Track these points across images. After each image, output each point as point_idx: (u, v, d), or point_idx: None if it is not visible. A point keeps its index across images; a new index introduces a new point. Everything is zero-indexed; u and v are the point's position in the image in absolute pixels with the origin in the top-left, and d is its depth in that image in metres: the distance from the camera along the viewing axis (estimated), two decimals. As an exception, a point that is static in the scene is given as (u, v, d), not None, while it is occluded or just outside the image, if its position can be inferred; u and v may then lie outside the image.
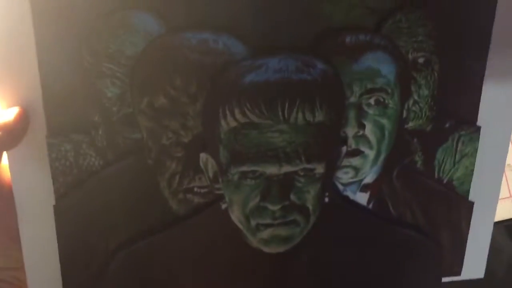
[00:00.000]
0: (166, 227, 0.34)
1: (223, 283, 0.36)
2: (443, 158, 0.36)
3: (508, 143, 0.37)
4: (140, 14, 0.30)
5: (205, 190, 0.34)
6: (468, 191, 0.37)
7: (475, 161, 0.37)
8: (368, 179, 0.36)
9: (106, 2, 0.29)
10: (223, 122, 0.31)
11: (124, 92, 0.31)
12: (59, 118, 0.31)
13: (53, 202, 0.32)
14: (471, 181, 0.37)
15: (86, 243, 0.34)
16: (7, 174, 0.32)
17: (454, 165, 0.37)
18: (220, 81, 0.31)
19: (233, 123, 0.31)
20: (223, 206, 0.34)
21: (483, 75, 0.35)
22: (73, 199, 0.32)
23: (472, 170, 0.37)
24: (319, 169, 0.33)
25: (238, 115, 0.31)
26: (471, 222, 0.38)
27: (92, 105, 0.31)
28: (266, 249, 0.35)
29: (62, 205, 0.32)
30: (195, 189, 0.33)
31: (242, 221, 0.34)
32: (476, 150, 0.36)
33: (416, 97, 0.34)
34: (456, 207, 0.38)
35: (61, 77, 0.30)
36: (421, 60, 0.34)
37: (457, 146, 0.36)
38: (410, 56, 0.33)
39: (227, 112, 0.31)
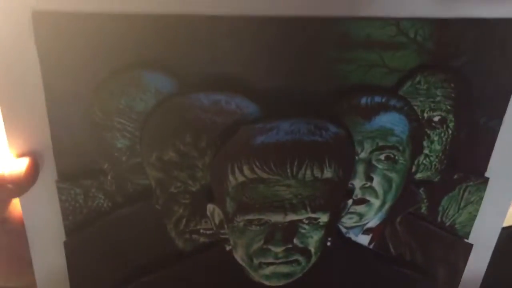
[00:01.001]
0: (172, 263, 0.36)
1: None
2: (448, 205, 0.38)
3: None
4: (152, 73, 0.29)
5: (211, 232, 0.35)
6: (468, 233, 0.39)
7: (479, 208, 0.38)
8: (372, 224, 0.37)
9: (117, 60, 0.29)
10: (231, 177, 0.32)
11: (134, 143, 0.32)
12: (69, 166, 0.32)
13: (63, 238, 0.34)
14: (472, 225, 0.39)
15: (96, 276, 0.36)
16: (18, 208, 0.34)
17: (458, 211, 0.38)
18: (231, 141, 0.31)
19: (241, 178, 0.32)
20: (228, 247, 0.36)
21: (497, 132, 0.35)
22: (83, 236, 0.34)
23: (475, 216, 0.38)
24: (324, 218, 0.34)
25: (247, 172, 0.32)
26: (468, 261, 0.40)
27: (102, 155, 0.32)
28: (267, 283, 0.37)
29: (73, 241, 0.34)
30: (201, 231, 0.35)
31: (245, 260, 0.36)
32: (481, 198, 0.37)
33: (427, 152, 0.35)
34: (455, 248, 0.40)
35: (70, 128, 0.31)
36: (436, 119, 0.34)
37: (463, 195, 0.37)
38: (425, 115, 0.33)
39: (236, 169, 0.32)
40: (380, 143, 0.33)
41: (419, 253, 0.39)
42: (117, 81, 0.29)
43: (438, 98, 0.33)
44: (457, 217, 0.38)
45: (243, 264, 0.36)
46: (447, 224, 0.38)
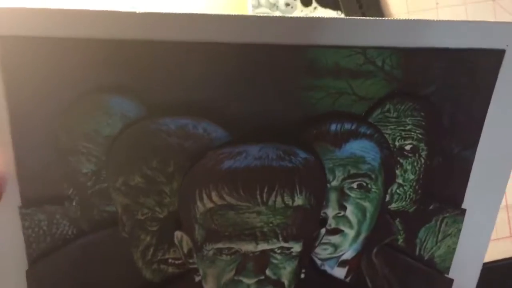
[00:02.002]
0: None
1: None
2: (425, 237, 0.37)
3: (493, 225, 0.37)
4: (118, 97, 0.30)
5: (179, 261, 0.35)
6: (448, 268, 0.39)
7: (457, 240, 0.38)
8: (347, 255, 0.37)
9: (84, 84, 0.29)
10: (199, 203, 0.32)
11: (100, 168, 0.32)
12: (33, 191, 0.32)
13: (26, 267, 0.34)
14: (452, 258, 0.38)
15: None
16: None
17: (436, 243, 0.38)
18: (198, 166, 0.32)
19: (209, 205, 0.32)
20: (197, 278, 0.35)
21: (472, 163, 0.35)
22: (45, 266, 0.34)
23: (454, 249, 0.38)
24: (296, 248, 0.34)
25: (215, 198, 0.32)
26: None
27: (67, 180, 0.32)
28: None
29: (35, 271, 0.34)
30: (170, 260, 0.35)
31: None
32: (459, 231, 0.37)
33: (400, 181, 0.35)
34: (436, 284, 0.39)
35: (35, 152, 0.31)
36: (408, 147, 0.34)
37: (440, 227, 0.37)
38: (397, 143, 0.34)
39: (204, 195, 0.32)
40: (352, 171, 0.34)
41: (397, 287, 0.39)
42: (83, 105, 0.30)
43: (408, 127, 0.33)
44: (436, 250, 0.38)
45: None
46: (426, 257, 0.38)
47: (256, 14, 0.38)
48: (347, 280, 0.38)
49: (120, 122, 0.31)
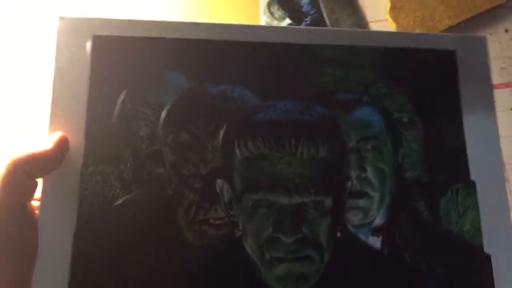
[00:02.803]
0: (180, 256, 0.36)
1: None
2: (448, 210, 0.40)
3: (506, 197, 0.41)
4: (171, 72, 0.40)
5: (220, 221, 0.37)
6: (481, 245, 0.40)
7: (479, 215, 0.40)
8: (378, 221, 0.39)
9: (146, 63, 0.41)
10: (237, 152, 0.38)
11: (154, 132, 0.39)
12: (95, 152, 0.38)
13: (74, 229, 0.36)
14: (480, 235, 0.40)
15: (99, 270, 0.36)
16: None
17: (460, 217, 0.40)
18: (236, 119, 0.39)
19: (246, 153, 0.38)
20: (237, 234, 0.37)
21: (464, 138, 0.42)
22: (93, 227, 0.36)
23: (479, 223, 0.40)
24: (328, 202, 0.38)
25: (251, 147, 0.38)
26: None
27: (125, 142, 0.38)
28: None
29: (82, 233, 0.36)
30: (211, 221, 0.37)
31: (256, 253, 0.37)
32: (476, 203, 0.40)
33: (407, 151, 0.41)
34: (473, 259, 0.39)
35: (104, 117, 0.39)
36: (405, 120, 0.42)
37: (457, 198, 0.40)
38: (395, 116, 0.42)
39: (241, 144, 0.38)
40: (363, 134, 0.40)
41: (436, 263, 0.38)
42: (144, 78, 0.40)
43: (401, 102, 0.42)
44: (462, 225, 0.40)
45: (254, 258, 0.37)
46: (455, 232, 0.39)
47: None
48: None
49: (173, 91, 0.39)
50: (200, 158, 0.38)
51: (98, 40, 0.40)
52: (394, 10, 0.70)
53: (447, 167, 0.42)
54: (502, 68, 0.68)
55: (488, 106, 0.43)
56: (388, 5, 0.70)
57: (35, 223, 0.36)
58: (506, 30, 0.70)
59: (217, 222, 0.37)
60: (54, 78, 0.39)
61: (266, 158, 0.38)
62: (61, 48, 0.39)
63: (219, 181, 0.38)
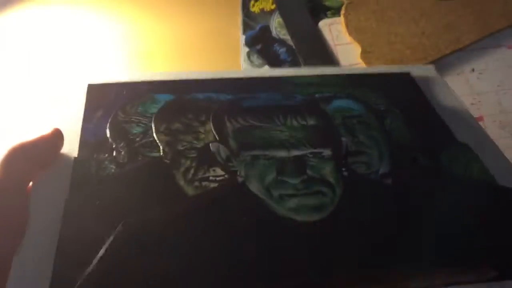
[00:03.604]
0: (181, 205, 0.35)
1: (251, 259, 0.32)
2: (450, 163, 0.40)
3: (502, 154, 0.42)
4: (160, 94, 0.44)
5: (220, 177, 0.36)
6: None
7: (484, 166, 0.40)
8: (384, 169, 0.39)
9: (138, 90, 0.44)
10: (228, 125, 0.40)
11: (147, 130, 0.40)
12: (89, 145, 0.39)
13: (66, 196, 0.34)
14: (495, 179, 0.39)
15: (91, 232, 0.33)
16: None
17: (465, 169, 0.40)
18: (223, 104, 0.42)
19: (237, 125, 0.40)
20: (240, 179, 0.36)
21: (440, 116, 0.45)
22: (86, 193, 0.35)
23: (488, 171, 0.39)
24: (327, 152, 0.38)
25: (241, 121, 0.40)
26: None
27: (119, 137, 0.40)
28: (298, 217, 0.34)
29: (74, 199, 0.34)
30: (210, 178, 0.36)
31: (264, 193, 0.35)
32: (477, 157, 0.41)
33: (392, 124, 0.43)
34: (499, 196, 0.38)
35: (98, 121, 0.41)
36: (382, 108, 0.45)
37: (457, 154, 0.41)
38: (372, 105, 0.45)
39: (231, 119, 0.40)
40: (347, 114, 0.43)
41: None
42: (137, 99, 0.44)
43: (374, 96, 0.46)
44: (471, 173, 0.39)
45: (262, 197, 0.35)
46: (465, 177, 0.39)
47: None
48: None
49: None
50: (193, 138, 0.39)
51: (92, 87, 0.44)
52: (365, 54, 0.76)
53: (434, 134, 0.43)
54: (472, 104, 0.72)
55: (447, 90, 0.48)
56: (359, 49, 0.76)
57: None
58: (473, 70, 0.76)
59: (217, 178, 0.36)
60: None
61: (257, 127, 0.39)
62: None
63: (213, 144, 0.39)
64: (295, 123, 0.40)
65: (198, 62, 0.78)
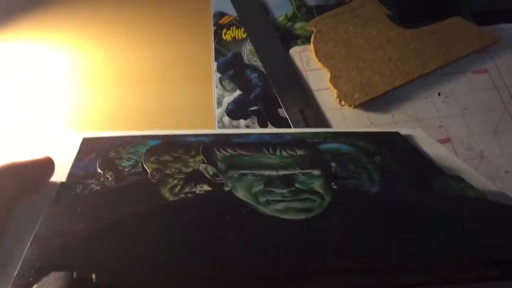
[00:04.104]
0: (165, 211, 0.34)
1: (238, 257, 0.31)
2: (443, 187, 0.41)
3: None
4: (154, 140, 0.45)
5: (207, 190, 0.37)
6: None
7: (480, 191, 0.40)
8: (374, 190, 0.39)
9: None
10: (218, 153, 0.41)
11: (137, 163, 0.40)
12: (79, 173, 0.39)
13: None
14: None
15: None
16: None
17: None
18: (214, 139, 0.44)
19: (226, 154, 0.41)
20: (226, 188, 0.37)
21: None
22: (65, 203, 0.35)
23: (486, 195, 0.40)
24: (316, 172, 0.39)
25: (230, 151, 0.41)
26: None
27: (108, 168, 0.40)
28: (285, 216, 0.34)
29: (53, 208, 0.34)
30: (197, 192, 0.36)
31: (250, 198, 0.36)
32: (470, 185, 0.41)
33: (382, 160, 0.44)
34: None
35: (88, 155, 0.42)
36: (372, 150, 0.46)
37: (449, 183, 0.41)
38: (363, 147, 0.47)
39: (221, 149, 0.42)
40: (336, 153, 0.44)
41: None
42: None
43: (363, 143, 0.48)
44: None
45: (249, 202, 0.35)
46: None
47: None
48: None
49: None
50: (182, 165, 0.40)
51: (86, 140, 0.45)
52: (334, 78, 0.78)
53: (424, 169, 0.44)
54: (439, 126, 0.75)
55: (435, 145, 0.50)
56: (328, 75, 0.78)
57: None
58: (439, 94, 0.78)
59: (204, 191, 0.36)
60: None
61: (246, 155, 0.41)
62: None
63: (202, 164, 0.39)
64: (284, 153, 0.41)
65: (171, 88, 0.78)
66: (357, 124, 0.75)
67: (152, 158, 0.40)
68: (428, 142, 0.50)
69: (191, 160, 0.40)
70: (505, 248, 0.34)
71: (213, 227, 0.33)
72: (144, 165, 0.39)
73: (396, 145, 0.48)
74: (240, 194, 0.36)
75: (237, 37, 0.86)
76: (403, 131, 0.52)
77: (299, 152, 0.41)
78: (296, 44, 0.86)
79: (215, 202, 0.35)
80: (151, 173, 0.38)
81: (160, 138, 0.45)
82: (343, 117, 0.76)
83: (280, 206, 0.35)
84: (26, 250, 0.29)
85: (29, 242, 0.30)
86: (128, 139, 0.44)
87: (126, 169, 0.39)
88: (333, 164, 0.41)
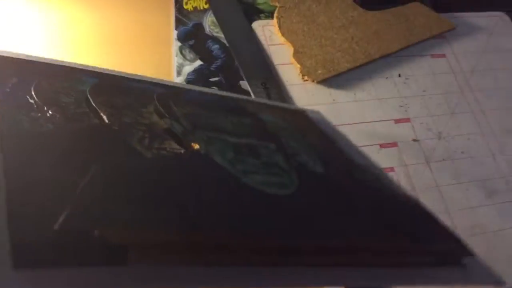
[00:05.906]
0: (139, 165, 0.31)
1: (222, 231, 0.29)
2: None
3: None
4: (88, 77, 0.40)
5: (178, 150, 0.34)
6: None
7: None
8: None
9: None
10: (176, 109, 0.39)
11: (79, 101, 0.36)
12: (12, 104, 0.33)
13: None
14: None
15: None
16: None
17: None
18: (166, 92, 0.42)
19: (184, 111, 0.39)
20: (202, 151, 0.34)
21: None
22: (26, 146, 0.29)
23: None
24: (272, 145, 0.38)
25: (188, 109, 0.40)
26: None
27: (50, 103, 0.34)
28: (267, 189, 0.33)
29: (13, 154, 0.28)
30: (168, 149, 0.33)
31: (227, 164, 0.34)
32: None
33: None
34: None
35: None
36: None
37: None
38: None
39: (178, 106, 0.39)
40: None
41: None
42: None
43: None
44: None
45: (226, 167, 0.33)
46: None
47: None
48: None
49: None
50: (137, 115, 0.36)
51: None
52: (297, 54, 0.76)
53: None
54: (400, 106, 0.75)
55: None
56: (291, 50, 0.76)
57: None
58: (399, 75, 0.79)
59: (175, 151, 0.33)
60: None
61: (203, 116, 0.39)
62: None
63: (167, 119, 0.36)
64: (234, 120, 0.39)
65: (128, 54, 0.74)
66: (320, 100, 0.74)
67: (101, 99, 0.36)
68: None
69: (144, 110, 0.37)
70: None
71: (201, 190, 0.31)
72: (95, 107, 0.35)
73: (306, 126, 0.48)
74: (217, 158, 0.34)
75: (198, 7, 0.83)
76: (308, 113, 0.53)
77: (246, 121, 0.40)
78: (259, 18, 0.84)
79: (197, 164, 0.33)
80: (108, 119, 0.34)
81: (95, 75, 0.40)
82: (305, 92, 0.74)
83: (259, 178, 0.33)
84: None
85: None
86: (55, 68, 0.39)
87: (71, 107, 0.34)
88: (283, 139, 0.40)
